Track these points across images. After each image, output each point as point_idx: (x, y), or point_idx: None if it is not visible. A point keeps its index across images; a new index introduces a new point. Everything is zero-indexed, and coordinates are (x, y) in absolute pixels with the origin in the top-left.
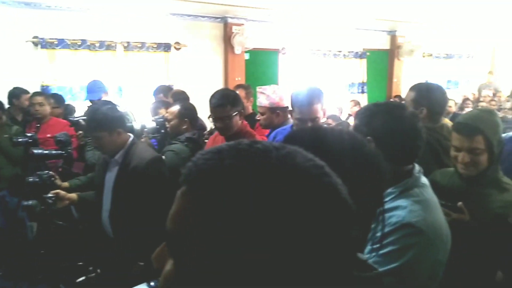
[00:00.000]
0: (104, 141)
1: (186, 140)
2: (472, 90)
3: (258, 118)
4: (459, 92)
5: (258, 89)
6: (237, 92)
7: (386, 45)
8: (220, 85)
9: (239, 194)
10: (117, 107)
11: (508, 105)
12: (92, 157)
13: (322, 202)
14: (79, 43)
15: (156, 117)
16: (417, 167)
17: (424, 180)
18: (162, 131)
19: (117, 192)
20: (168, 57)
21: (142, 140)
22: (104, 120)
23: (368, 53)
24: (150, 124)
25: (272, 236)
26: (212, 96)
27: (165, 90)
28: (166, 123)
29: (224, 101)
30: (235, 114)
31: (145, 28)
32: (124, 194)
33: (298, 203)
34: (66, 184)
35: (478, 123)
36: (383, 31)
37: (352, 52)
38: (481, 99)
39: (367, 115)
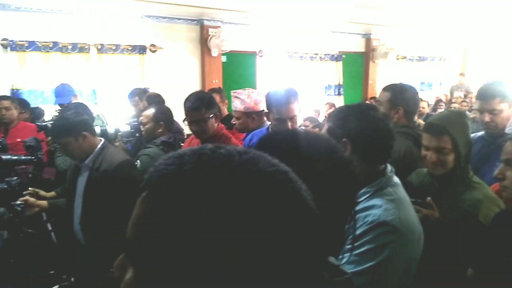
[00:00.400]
0: (71, 147)
1: (162, 144)
2: (445, 92)
3: (234, 122)
4: (432, 93)
5: (233, 93)
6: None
7: (361, 48)
8: (197, 88)
9: (200, 200)
10: (89, 109)
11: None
12: (63, 163)
13: (284, 207)
14: (51, 46)
15: (131, 120)
16: (389, 167)
17: (396, 179)
18: (137, 134)
19: (88, 198)
20: (143, 59)
21: (116, 144)
22: (68, 126)
23: (344, 56)
24: (124, 128)
25: (234, 241)
26: (187, 99)
27: (140, 93)
28: (141, 126)
29: (199, 104)
30: (211, 117)
31: (119, 30)
32: (94, 199)
33: (259, 208)
34: (52, 193)
35: (446, 124)
36: (358, 34)
37: (328, 54)
38: (453, 100)
39: (341, 117)
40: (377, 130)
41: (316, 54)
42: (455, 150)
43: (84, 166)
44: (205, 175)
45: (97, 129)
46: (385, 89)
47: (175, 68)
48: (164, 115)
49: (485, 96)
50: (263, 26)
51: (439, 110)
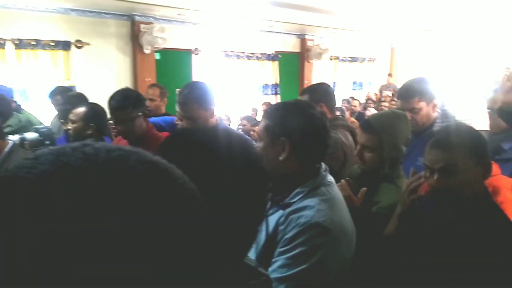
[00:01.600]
0: None
1: None
2: (375, 91)
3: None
4: (363, 93)
5: (178, 91)
6: (152, 91)
7: (296, 48)
8: (128, 86)
9: (53, 203)
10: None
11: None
12: None
13: (157, 208)
14: None
15: (39, 126)
16: (323, 165)
17: (330, 178)
18: (47, 142)
19: None
20: (68, 56)
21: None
22: None
23: (280, 56)
24: (31, 135)
25: (96, 248)
26: (111, 98)
27: (63, 92)
28: (69, 125)
29: (124, 103)
30: (138, 116)
31: (40, 24)
32: None
33: (124, 211)
34: None
35: (375, 122)
36: (293, 34)
37: (265, 54)
38: (382, 99)
39: (279, 115)
40: (315, 128)
41: (253, 53)
42: (379, 149)
43: None
44: (59, 177)
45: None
46: (303, 92)
47: (104, 66)
48: (95, 116)
49: (405, 95)
50: (198, 24)
51: (369, 108)
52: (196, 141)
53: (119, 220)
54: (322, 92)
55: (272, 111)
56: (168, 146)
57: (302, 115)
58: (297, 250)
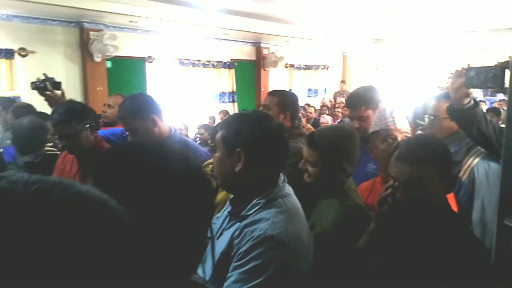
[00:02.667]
0: None
1: (25, 166)
2: (330, 98)
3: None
4: (318, 99)
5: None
6: (113, 98)
7: (252, 56)
8: (78, 96)
9: None
10: None
11: None
12: None
13: (89, 245)
14: None
15: None
16: (282, 177)
17: (288, 189)
18: None
19: None
20: (11, 64)
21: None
22: None
23: (236, 63)
24: None
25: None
26: (54, 111)
27: (6, 103)
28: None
29: (68, 116)
30: (84, 129)
31: None
32: None
33: (45, 253)
34: None
35: (319, 138)
36: (248, 42)
37: (221, 62)
38: (336, 105)
39: (235, 126)
40: (271, 139)
41: (209, 61)
42: (320, 166)
43: None
44: None
45: None
46: (272, 94)
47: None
48: (38, 130)
49: (352, 104)
50: (152, 31)
51: (323, 115)
52: (130, 158)
53: (35, 267)
54: (291, 101)
55: (228, 122)
56: (101, 167)
57: (259, 126)
58: (250, 265)
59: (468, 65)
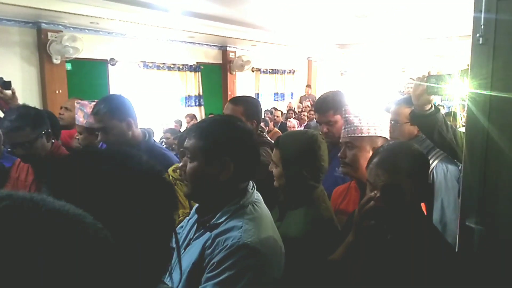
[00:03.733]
0: None
1: None
2: (296, 102)
3: (77, 137)
4: (285, 104)
5: (77, 104)
6: (70, 102)
7: (219, 60)
8: (36, 99)
9: None
10: None
11: None
12: None
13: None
14: None
15: None
16: (251, 183)
17: (257, 195)
18: None
19: None
20: None
21: None
22: None
23: (202, 67)
24: None
25: None
26: (4, 118)
27: None
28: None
29: (21, 123)
30: (40, 136)
31: None
32: None
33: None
34: None
35: (282, 138)
36: (215, 45)
37: (187, 65)
38: (303, 109)
39: (213, 132)
40: (250, 144)
41: (174, 64)
42: (283, 165)
43: None
44: None
45: None
46: (235, 102)
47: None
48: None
49: (320, 109)
50: (114, 33)
51: (290, 119)
52: (83, 163)
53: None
54: (255, 108)
55: (204, 129)
56: (54, 174)
57: (238, 131)
58: (225, 275)
59: (429, 72)
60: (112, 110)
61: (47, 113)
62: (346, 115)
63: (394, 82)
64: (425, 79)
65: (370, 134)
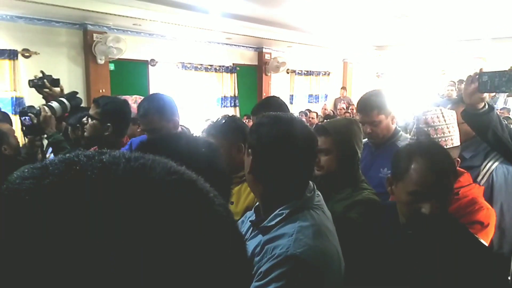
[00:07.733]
0: None
1: None
2: (330, 104)
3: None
4: (319, 105)
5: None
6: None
7: (254, 61)
8: (81, 97)
9: (61, 224)
10: None
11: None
12: None
13: (186, 223)
14: None
15: None
16: (311, 185)
17: (318, 199)
18: None
19: None
20: (14, 65)
21: None
22: None
23: (238, 68)
24: None
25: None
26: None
27: None
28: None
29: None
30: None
31: None
32: None
33: (150, 229)
34: None
35: (328, 125)
36: (251, 47)
37: (223, 66)
38: (337, 112)
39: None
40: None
41: (211, 65)
42: (333, 151)
43: None
44: (71, 189)
45: None
46: (257, 111)
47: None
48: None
49: (364, 109)
50: (155, 34)
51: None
52: (165, 147)
53: (142, 241)
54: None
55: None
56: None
57: (299, 131)
58: (271, 286)
59: (480, 69)
60: (161, 112)
61: (125, 103)
62: (430, 125)
63: (433, 84)
64: (477, 77)
65: (454, 145)
